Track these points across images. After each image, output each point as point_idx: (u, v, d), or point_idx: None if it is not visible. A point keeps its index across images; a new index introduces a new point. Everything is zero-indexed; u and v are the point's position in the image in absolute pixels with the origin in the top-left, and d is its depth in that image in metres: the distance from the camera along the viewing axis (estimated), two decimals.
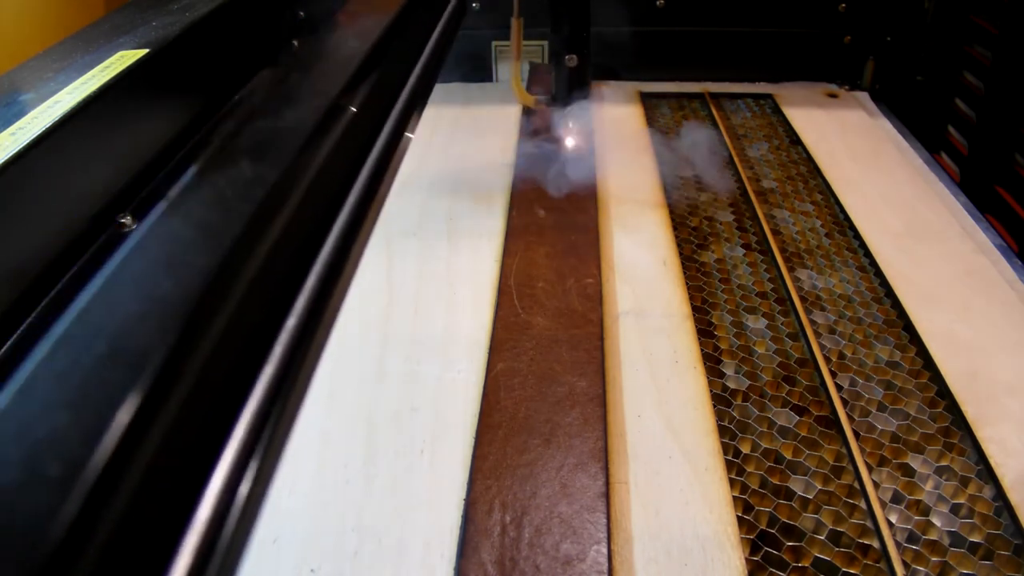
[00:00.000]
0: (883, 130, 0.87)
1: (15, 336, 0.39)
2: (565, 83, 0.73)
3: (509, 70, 0.75)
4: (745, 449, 0.47)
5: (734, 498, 0.44)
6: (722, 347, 0.55)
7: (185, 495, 0.16)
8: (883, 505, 0.44)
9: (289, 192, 0.23)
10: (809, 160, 0.80)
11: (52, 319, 0.40)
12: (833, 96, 0.95)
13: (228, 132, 0.25)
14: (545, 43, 0.96)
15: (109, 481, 0.14)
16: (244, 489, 0.17)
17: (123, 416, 0.14)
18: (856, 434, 0.48)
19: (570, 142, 0.80)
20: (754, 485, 0.45)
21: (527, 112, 0.87)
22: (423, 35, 0.41)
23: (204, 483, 0.16)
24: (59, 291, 0.42)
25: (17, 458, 0.14)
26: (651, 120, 0.89)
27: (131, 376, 0.15)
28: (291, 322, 0.21)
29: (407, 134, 0.33)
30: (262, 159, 0.24)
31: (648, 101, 0.94)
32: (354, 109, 0.28)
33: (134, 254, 0.20)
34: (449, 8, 0.45)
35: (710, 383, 0.51)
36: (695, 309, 0.58)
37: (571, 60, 0.71)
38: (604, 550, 0.40)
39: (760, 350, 0.55)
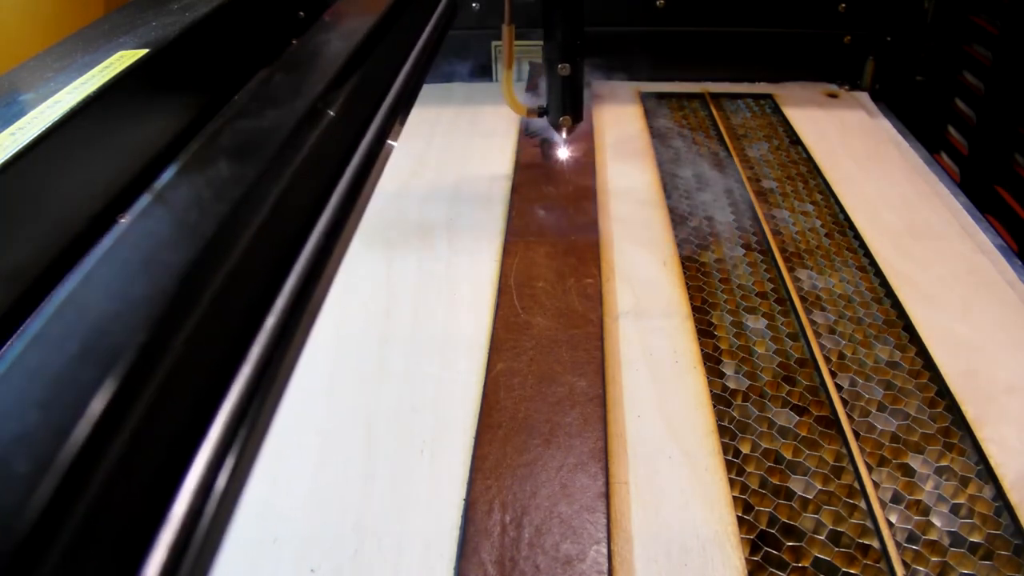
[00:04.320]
0: (883, 130, 0.87)
1: (16, 335, 0.39)
2: (558, 94, 0.71)
3: (500, 77, 0.73)
4: (745, 449, 0.47)
5: (734, 498, 0.44)
6: (722, 347, 0.55)
7: (158, 493, 0.16)
8: (883, 505, 0.44)
9: (268, 192, 0.23)
10: (809, 160, 0.80)
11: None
12: (833, 96, 0.95)
13: (211, 133, 0.26)
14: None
15: (77, 477, 0.14)
16: (219, 487, 0.17)
17: (93, 412, 0.15)
18: (856, 434, 0.48)
19: (570, 142, 0.80)
20: (754, 485, 0.45)
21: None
22: (411, 38, 0.41)
23: (178, 482, 0.16)
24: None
25: None
26: (651, 120, 0.89)
27: (102, 373, 0.15)
28: (271, 321, 0.21)
29: (389, 141, 0.33)
30: (242, 159, 0.24)
31: (648, 101, 0.94)
32: (332, 113, 0.28)
33: (111, 252, 0.20)
34: (439, 10, 0.45)
35: (710, 383, 0.51)
36: (695, 309, 0.58)
37: (564, 69, 0.68)
38: (604, 550, 0.40)
39: (760, 350, 0.55)
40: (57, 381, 0.15)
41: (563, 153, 0.77)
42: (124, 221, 0.21)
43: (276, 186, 0.23)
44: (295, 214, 0.25)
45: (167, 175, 0.23)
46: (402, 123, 0.37)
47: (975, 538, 0.42)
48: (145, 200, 0.22)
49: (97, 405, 0.15)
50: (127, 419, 0.15)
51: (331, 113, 0.28)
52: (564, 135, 0.75)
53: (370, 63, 0.33)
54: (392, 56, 0.37)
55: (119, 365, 0.15)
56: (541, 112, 0.74)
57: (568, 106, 0.72)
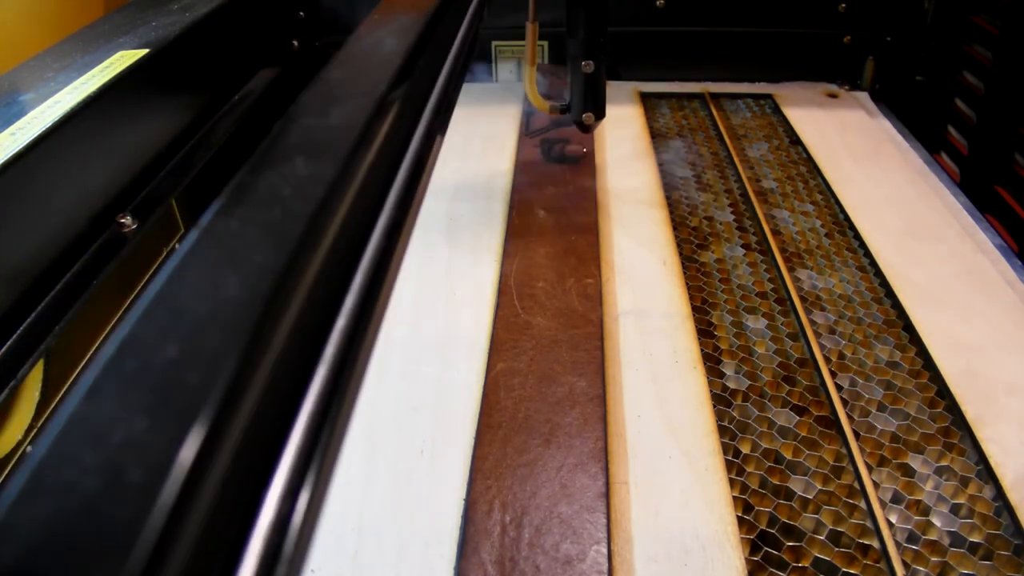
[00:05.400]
0: (883, 130, 0.87)
1: (17, 334, 0.39)
2: (580, 90, 0.71)
3: (524, 74, 0.74)
4: (745, 449, 0.47)
5: (734, 498, 0.44)
6: (722, 347, 0.55)
7: (251, 500, 0.15)
8: (883, 505, 0.44)
9: (344, 191, 0.23)
10: (809, 160, 0.80)
11: (54, 318, 0.40)
12: (833, 96, 0.95)
13: (276, 132, 0.25)
14: (546, 43, 0.96)
15: (192, 487, 0.13)
16: (307, 489, 0.16)
17: (203, 420, 0.14)
18: (856, 434, 0.48)
19: (570, 142, 0.80)
20: (754, 485, 0.45)
21: (527, 112, 0.87)
22: (450, 36, 0.41)
23: (267, 485, 0.16)
24: (60, 290, 0.42)
25: (96, 463, 0.13)
26: (651, 120, 0.89)
27: (208, 378, 0.15)
28: (341, 322, 0.20)
29: (439, 136, 0.33)
30: (316, 159, 0.23)
31: (648, 101, 0.94)
32: (392, 114, 0.28)
33: (197, 252, 0.19)
34: (472, 6, 0.45)
35: (710, 383, 0.51)
36: (695, 309, 0.58)
37: (588, 66, 0.69)
38: (604, 550, 0.40)
39: (760, 350, 0.55)
40: (160, 387, 0.15)
41: (576, 150, 0.77)
42: (205, 219, 0.20)
43: (351, 183, 0.23)
44: (363, 213, 0.24)
45: (238, 176, 0.23)
46: (446, 122, 0.37)
47: (975, 538, 0.42)
48: (223, 200, 0.21)
49: (207, 412, 0.14)
50: (232, 426, 0.15)
51: (392, 114, 0.28)
52: (587, 132, 0.75)
53: (418, 66, 0.33)
54: (434, 58, 0.37)
55: (226, 367, 0.15)
56: (564, 109, 0.74)
57: (591, 103, 0.72)
